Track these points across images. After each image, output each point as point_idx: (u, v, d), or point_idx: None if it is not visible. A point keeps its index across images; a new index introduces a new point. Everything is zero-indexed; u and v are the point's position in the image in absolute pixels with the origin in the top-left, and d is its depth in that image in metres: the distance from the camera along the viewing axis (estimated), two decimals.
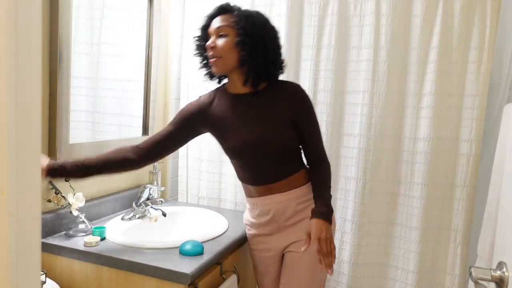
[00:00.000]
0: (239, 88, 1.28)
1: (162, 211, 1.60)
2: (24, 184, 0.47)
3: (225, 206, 1.92)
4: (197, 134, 1.36)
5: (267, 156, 1.25)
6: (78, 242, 1.28)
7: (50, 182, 1.34)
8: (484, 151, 1.52)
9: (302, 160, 1.34)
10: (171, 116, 2.00)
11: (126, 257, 1.19)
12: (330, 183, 1.28)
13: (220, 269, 1.32)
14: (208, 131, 1.34)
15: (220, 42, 1.20)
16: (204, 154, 1.96)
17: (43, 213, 1.31)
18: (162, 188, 1.70)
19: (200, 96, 1.36)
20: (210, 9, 1.27)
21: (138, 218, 1.56)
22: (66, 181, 1.38)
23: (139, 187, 1.67)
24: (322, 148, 1.32)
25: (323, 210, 1.18)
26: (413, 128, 1.63)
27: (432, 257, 1.63)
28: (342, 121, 1.74)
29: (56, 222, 1.34)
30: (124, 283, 1.19)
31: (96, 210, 1.53)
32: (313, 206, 1.23)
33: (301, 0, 1.74)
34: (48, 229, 1.31)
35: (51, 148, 1.33)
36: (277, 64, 1.26)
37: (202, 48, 1.28)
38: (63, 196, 1.35)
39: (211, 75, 1.31)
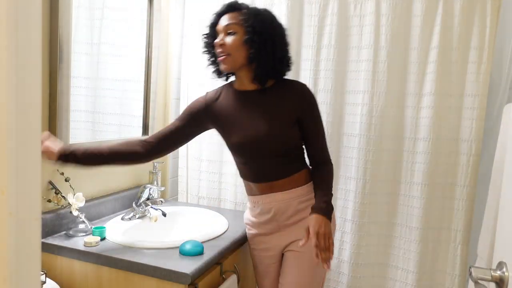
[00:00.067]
0: (246, 85, 1.29)
1: (162, 211, 1.60)
2: (24, 184, 0.47)
3: (225, 206, 1.92)
4: (204, 129, 1.38)
5: (270, 153, 1.26)
6: (78, 242, 1.28)
7: (50, 182, 1.34)
8: (484, 151, 1.52)
9: (305, 160, 1.35)
10: (171, 116, 2.00)
11: (126, 257, 1.19)
12: (331, 184, 1.28)
13: (220, 269, 1.32)
14: (213, 127, 1.36)
15: (229, 39, 1.21)
16: (204, 154, 1.96)
17: (43, 213, 1.31)
18: (162, 188, 1.70)
19: (207, 92, 1.38)
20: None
21: (138, 218, 1.56)
22: (66, 181, 1.38)
23: (139, 187, 1.67)
24: (326, 149, 1.33)
25: (323, 206, 1.19)
26: (413, 128, 1.63)
27: (432, 257, 1.63)
28: (342, 121, 1.74)
29: (56, 222, 1.34)
30: (124, 283, 1.19)
31: (96, 210, 1.53)
32: None
33: (301, 0, 1.74)
34: (48, 229, 1.31)
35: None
36: (285, 62, 1.27)
37: (210, 46, 1.29)
38: (63, 196, 1.35)
39: (219, 73, 1.33)
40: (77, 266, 1.25)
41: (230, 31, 1.21)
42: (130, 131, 1.75)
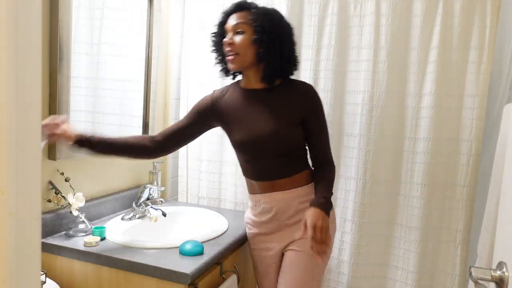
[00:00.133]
0: (253, 83, 1.30)
1: (162, 211, 1.60)
2: (24, 184, 0.47)
3: (225, 206, 1.92)
4: (210, 127, 1.39)
5: (273, 152, 1.27)
6: (78, 242, 1.28)
7: (50, 182, 1.34)
8: (484, 151, 1.52)
9: (307, 161, 1.36)
10: (171, 116, 2.00)
11: (126, 257, 1.19)
12: (332, 183, 1.29)
13: (220, 269, 1.32)
14: (218, 125, 1.37)
15: (238, 39, 1.22)
16: (204, 154, 1.96)
17: (43, 213, 1.31)
18: (162, 188, 1.70)
19: (214, 90, 1.39)
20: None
21: (138, 218, 1.56)
22: (66, 181, 1.38)
23: (139, 187, 1.67)
24: (329, 149, 1.34)
25: (322, 202, 1.19)
26: (413, 128, 1.63)
27: (432, 257, 1.63)
28: (342, 121, 1.73)
29: (56, 222, 1.34)
30: (124, 283, 1.19)
31: (96, 210, 1.53)
32: None
33: (301, 0, 1.74)
34: (48, 229, 1.31)
35: (51, 148, 1.34)
36: (292, 61, 1.28)
37: (218, 44, 1.30)
38: (63, 196, 1.35)
39: (226, 71, 1.34)
40: (77, 266, 1.25)
41: (239, 30, 1.22)
42: (130, 131, 1.75)
